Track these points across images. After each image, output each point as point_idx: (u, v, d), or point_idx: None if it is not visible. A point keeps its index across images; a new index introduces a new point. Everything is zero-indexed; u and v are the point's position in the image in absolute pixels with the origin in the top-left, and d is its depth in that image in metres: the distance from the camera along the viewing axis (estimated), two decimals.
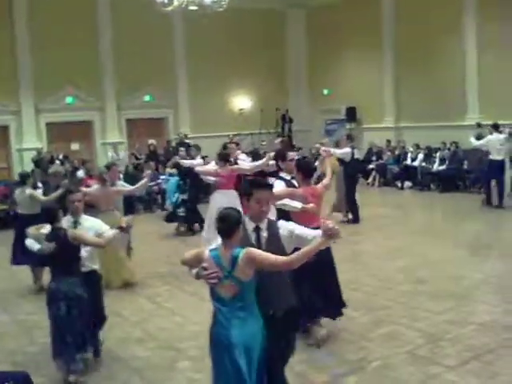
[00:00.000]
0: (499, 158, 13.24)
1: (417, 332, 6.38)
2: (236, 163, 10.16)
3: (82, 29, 18.11)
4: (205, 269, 3.92)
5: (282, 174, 6.66)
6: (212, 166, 10.18)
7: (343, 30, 20.82)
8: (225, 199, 8.99)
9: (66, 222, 5.78)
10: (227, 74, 20.52)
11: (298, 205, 6.03)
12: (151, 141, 17.94)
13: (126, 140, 19.66)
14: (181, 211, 12.59)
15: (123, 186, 9.35)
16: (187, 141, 17.49)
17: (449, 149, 16.84)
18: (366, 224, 12.44)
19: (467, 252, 9.80)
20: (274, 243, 4.17)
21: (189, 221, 12.67)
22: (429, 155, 17.43)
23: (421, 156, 17.54)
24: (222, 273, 3.91)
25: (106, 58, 18.97)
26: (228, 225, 3.96)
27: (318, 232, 3.96)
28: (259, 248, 4.08)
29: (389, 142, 19.58)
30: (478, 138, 14.43)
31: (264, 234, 4.21)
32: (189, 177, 12.49)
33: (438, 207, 14.96)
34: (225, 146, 11.88)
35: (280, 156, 6.92)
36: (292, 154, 6.80)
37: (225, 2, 14.29)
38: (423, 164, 17.39)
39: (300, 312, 4.51)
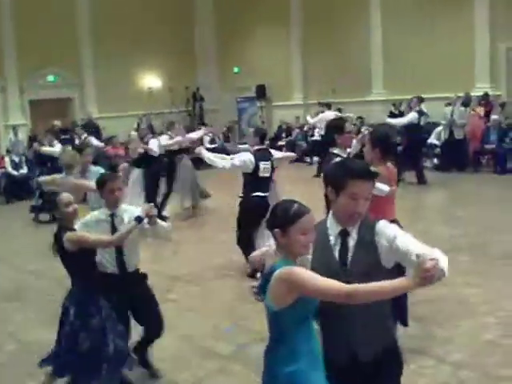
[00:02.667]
0: None
1: None
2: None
3: None
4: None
5: (336, 150, 5.37)
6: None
7: (251, 6, 20.83)
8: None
9: (100, 214, 4.72)
10: (134, 51, 20.04)
11: (385, 188, 4.73)
12: (56, 122, 17.33)
13: (29, 122, 18.95)
14: None
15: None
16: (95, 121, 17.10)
17: (354, 124, 17.20)
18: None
19: None
20: (364, 254, 2.89)
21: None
22: None
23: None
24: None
25: (6, 36, 18.11)
26: (269, 222, 2.88)
27: (427, 250, 2.69)
28: (344, 261, 2.91)
29: (297, 118, 19.83)
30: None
31: (352, 240, 2.94)
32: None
33: None
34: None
35: (337, 128, 5.49)
36: (349, 126, 5.61)
37: None
38: None
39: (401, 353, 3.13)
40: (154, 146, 10.93)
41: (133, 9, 19.96)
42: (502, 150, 14.29)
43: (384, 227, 2.92)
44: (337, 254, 2.92)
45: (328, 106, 15.42)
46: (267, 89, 21.17)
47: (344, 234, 2.93)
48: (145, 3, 20.30)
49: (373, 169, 3.15)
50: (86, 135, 15.25)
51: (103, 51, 19.67)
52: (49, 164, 13.33)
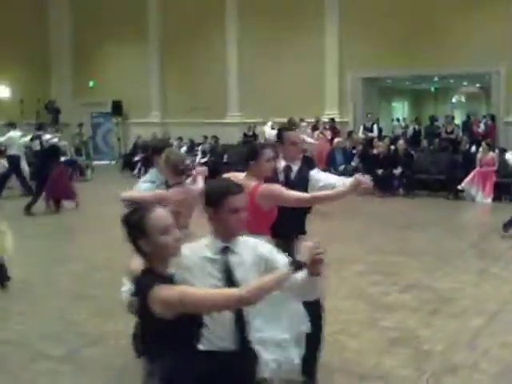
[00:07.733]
0: (18, 153, 14.63)
1: None
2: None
3: None
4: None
5: None
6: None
7: (110, 20, 20.50)
8: None
9: (203, 248, 2.73)
10: None
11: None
12: None
13: None
14: None
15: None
16: None
17: (210, 143, 17.63)
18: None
19: None
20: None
21: None
22: (191, 148, 18.01)
23: (184, 149, 17.95)
24: None
25: None
26: None
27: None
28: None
29: (154, 135, 19.69)
30: None
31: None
32: None
33: None
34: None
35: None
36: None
37: None
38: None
39: None
40: None
41: None
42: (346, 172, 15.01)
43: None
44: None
45: (12, 126, 14.92)
46: (124, 105, 20.84)
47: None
48: None
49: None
50: None
51: None
52: None
